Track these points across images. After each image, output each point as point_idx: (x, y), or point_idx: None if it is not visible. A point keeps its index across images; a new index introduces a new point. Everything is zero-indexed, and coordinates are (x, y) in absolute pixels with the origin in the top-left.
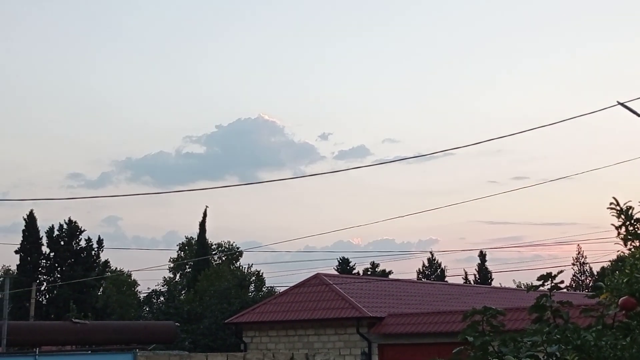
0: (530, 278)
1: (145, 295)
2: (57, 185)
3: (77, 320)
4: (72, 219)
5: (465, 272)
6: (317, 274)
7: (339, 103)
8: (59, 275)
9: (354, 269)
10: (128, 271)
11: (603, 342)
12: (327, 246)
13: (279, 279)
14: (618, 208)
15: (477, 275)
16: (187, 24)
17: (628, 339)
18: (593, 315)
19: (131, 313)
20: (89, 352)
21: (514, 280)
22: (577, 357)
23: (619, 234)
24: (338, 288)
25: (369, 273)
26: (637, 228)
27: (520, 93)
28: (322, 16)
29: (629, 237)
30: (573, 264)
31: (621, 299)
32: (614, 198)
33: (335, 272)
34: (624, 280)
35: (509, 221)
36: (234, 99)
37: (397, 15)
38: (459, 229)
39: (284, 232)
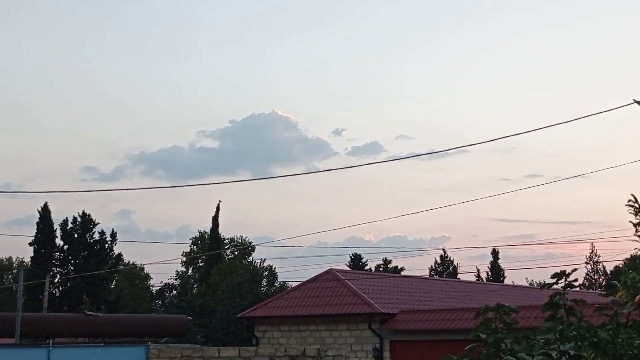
0: (543, 276)
1: (158, 288)
2: (71, 178)
3: (90, 313)
4: (86, 212)
5: (478, 270)
6: (330, 269)
7: (353, 99)
8: (72, 268)
9: (366, 265)
10: (141, 264)
11: (619, 340)
12: (340, 242)
13: (291, 274)
14: (636, 205)
15: (489, 273)
16: (201, 18)
17: None
18: (607, 314)
19: (144, 306)
20: (102, 344)
21: (526, 278)
22: (593, 354)
23: (637, 231)
24: (350, 284)
25: (381, 269)
26: None
27: (536, 91)
28: (337, 12)
29: None
30: (586, 263)
31: (638, 296)
32: (633, 195)
33: (348, 268)
34: None
35: (522, 219)
36: (248, 94)
37: (411, 12)
38: (472, 226)
39: (296, 228)
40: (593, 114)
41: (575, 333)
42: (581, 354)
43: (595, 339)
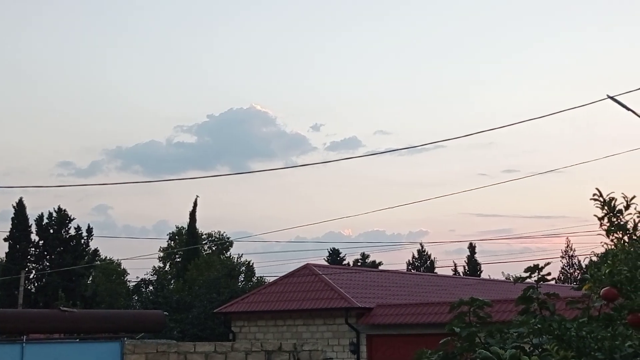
0: (519, 270)
1: (134, 284)
2: (47, 173)
3: (65, 309)
4: (61, 207)
5: (455, 264)
6: (307, 264)
7: (332, 94)
8: (47, 264)
9: (345, 259)
10: (117, 260)
11: (584, 333)
12: (318, 237)
13: (269, 269)
14: (601, 199)
15: (466, 267)
16: (180, 14)
17: (609, 329)
18: (579, 307)
19: (120, 302)
20: (77, 340)
21: (502, 272)
22: (557, 347)
23: (601, 225)
24: (327, 278)
25: (359, 264)
26: (620, 219)
27: (512, 86)
28: (316, 8)
29: (612, 228)
30: (562, 257)
31: (603, 289)
32: (597, 189)
33: (326, 263)
34: (606, 272)
35: (498, 214)
36: (226, 89)
37: (391, 8)
38: (449, 220)
39: (274, 223)
40: (568, 109)
41: (540, 327)
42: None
43: (560, 332)
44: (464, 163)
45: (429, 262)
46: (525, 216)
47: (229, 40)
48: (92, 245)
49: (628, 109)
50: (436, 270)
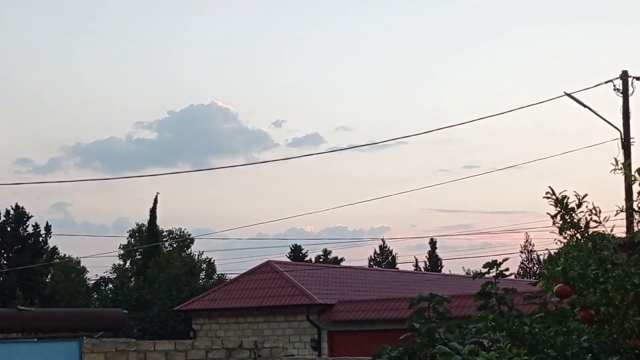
0: (479, 265)
1: (93, 282)
2: (4, 170)
3: (22, 308)
4: (19, 204)
5: (416, 259)
6: (268, 261)
7: (294, 91)
8: (5, 262)
9: (307, 256)
10: (77, 258)
11: (537, 329)
12: (280, 233)
13: (230, 266)
14: (554, 197)
15: (427, 263)
16: (140, 8)
17: (562, 325)
18: (536, 303)
19: (79, 300)
20: (35, 339)
21: (463, 267)
22: (510, 344)
23: (554, 222)
24: (289, 275)
25: (321, 260)
26: (572, 217)
27: (472, 83)
28: (279, 4)
29: (565, 226)
30: (521, 252)
31: (556, 286)
32: (550, 187)
33: (287, 260)
34: (560, 269)
35: (459, 209)
36: (187, 85)
37: (352, 5)
38: (410, 216)
39: (236, 219)
40: (526, 105)
41: (493, 324)
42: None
43: (513, 329)
44: (424, 159)
45: (390, 257)
46: (485, 212)
47: (190, 36)
48: (51, 243)
49: (585, 106)
50: (398, 265)
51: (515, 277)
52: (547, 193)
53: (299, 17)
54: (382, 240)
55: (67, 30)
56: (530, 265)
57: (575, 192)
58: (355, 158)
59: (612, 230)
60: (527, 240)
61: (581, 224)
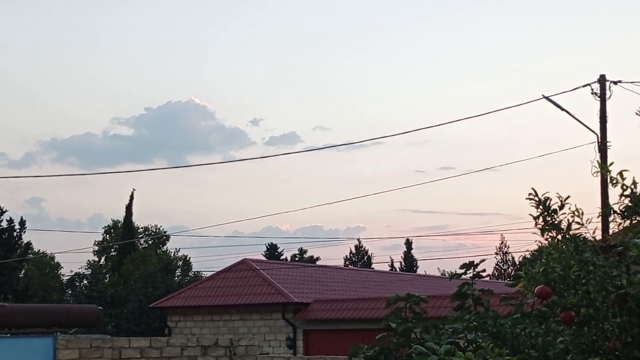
0: (454, 266)
1: (68, 278)
2: None
3: None
4: None
5: (392, 260)
6: (244, 259)
7: (271, 89)
8: None
9: (282, 255)
10: (51, 253)
11: (518, 330)
12: (256, 232)
13: (206, 263)
14: (536, 199)
15: (403, 263)
16: (119, 5)
17: (543, 326)
18: (513, 304)
19: (54, 296)
20: (8, 335)
21: (438, 268)
22: (492, 344)
23: (536, 224)
24: (265, 273)
25: (297, 259)
26: (554, 219)
27: (448, 85)
28: (257, 3)
29: (547, 227)
30: (496, 253)
31: (537, 287)
32: (533, 189)
33: (263, 258)
34: (540, 270)
35: (434, 210)
36: (164, 82)
37: (332, 5)
38: (386, 217)
39: (212, 217)
40: (503, 108)
41: (476, 324)
42: (482, 345)
43: (495, 329)
44: (401, 160)
45: (366, 257)
46: (460, 213)
47: (168, 33)
48: (25, 238)
49: (562, 109)
50: (373, 265)
51: (490, 278)
52: (529, 194)
53: (278, 16)
54: (358, 240)
55: (46, 24)
56: (505, 267)
57: (557, 194)
58: (332, 158)
59: (594, 232)
60: (502, 242)
61: (563, 226)
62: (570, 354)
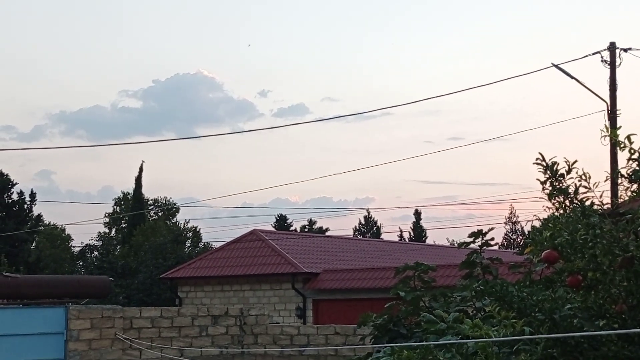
0: (463, 236)
1: (79, 249)
2: None
3: (8, 274)
4: (3, 171)
5: (401, 230)
6: (254, 229)
7: (279, 61)
8: None
9: (292, 225)
10: (62, 225)
11: (525, 294)
12: (265, 203)
13: (215, 234)
14: (544, 164)
15: (412, 233)
16: None
17: (550, 291)
18: (521, 272)
19: (65, 267)
20: (20, 305)
21: (447, 238)
22: (499, 308)
23: (544, 189)
24: (274, 244)
25: (306, 230)
26: (562, 183)
27: (458, 54)
28: None
29: (554, 192)
30: (505, 223)
31: (544, 252)
32: (540, 154)
33: (273, 229)
34: (548, 234)
35: (444, 181)
36: (172, 54)
37: None
38: (395, 187)
39: (221, 189)
40: (514, 77)
41: (482, 288)
42: (490, 311)
43: (502, 293)
44: (410, 130)
45: (375, 228)
46: (469, 183)
47: (176, 4)
48: (36, 210)
49: (572, 77)
50: (382, 236)
51: (499, 248)
52: (536, 159)
53: None
54: (367, 210)
55: None
56: (514, 237)
57: (565, 158)
58: (341, 129)
59: (601, 196)
60: (511, 212)
61: (570, 191)
62: (577, 317)
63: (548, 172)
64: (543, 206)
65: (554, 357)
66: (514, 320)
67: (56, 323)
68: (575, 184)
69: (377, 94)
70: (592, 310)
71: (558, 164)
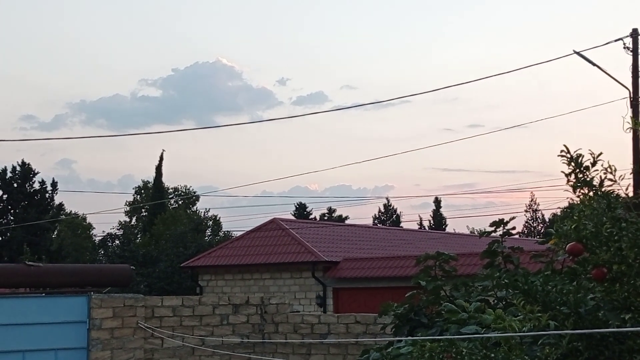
0: (483, 224)
1: (100, 238)
2: (9, 127)
3: (30, 263)
4: (25, 161)
5: (420, 218)
6: (274, 218)
7: (298, 49)
8: (12, 218)
9: (311, 214)
10: (83, 214)
11: (550, 287)
12: (284, 191)
13: (235, 223)
14: (568, 156)
15: (431, 221)
16: None
17: (574, 283)
18: (543, 261)
19: (86, 256)
20: (43, 294)
21: (467, 226)
22: (523, 301)
23: (568, 181)
24: (294, 233)
25: (325, 218)
26: (587, 175)
27: (478, 41)
28: None
29: (578, 184)
30: (526, 211)
31: (569, 244)
32: (565, 146)
33: (292, 217)
34: (572, 227)
35: (463, 168)
36: (191, 43)
37: None
38: (415, 175)
39: (241, 177)
40: (534, 64)
41: (507, 281)
42: (513, 302)
43: (526, 287)
44: (429, 118)
45: (394, 216)
46: (489, 171)
47: None
48: (57, 199)
49: (594, 65)
50: (402, 224)
51: (520, 236)
52: (561, 151)
53: None
54: (387, 199)
55: None
56: (534, 225)
57: (590, 150)
58: (360, 117)
59: (626, 189)
60: (531, 200)
61: (595, 183)
62: (602, 310)
63: (572, 164)
64: (567, 198)
65: (579, 350)
66: (539, 315)
67: (78, 312)
68: (601, 177)
69: (396, 82)
70: (616, 303)
71: (583, 156)
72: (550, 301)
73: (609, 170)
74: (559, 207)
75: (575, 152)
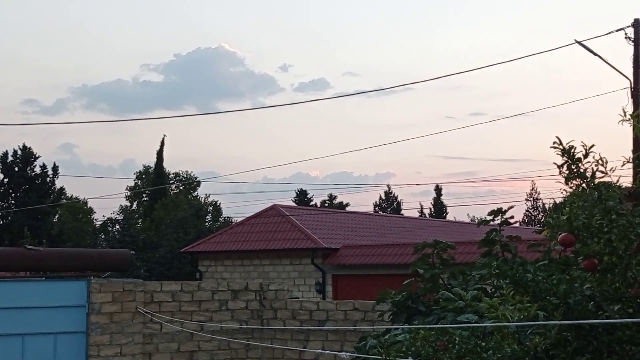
0: (484, 213)
1: (101, 223)
2: (11, 110)
3: (31, 247)
4: (26, 145)
5: (421, 206)
6: (274, 205)
7: (301, 35)
8: (13, 202)
9: (312, 200)
10: (84, 198)
11: (540, 277)
12: (285, 178)
13: (236, 209)
14: (561, 147)
15: (432, 209)
16: None
17: (565, 274)
18: (540, 250)
19: (87, 241)
20: (43, 278)
21: (468, 214)
22: (512, 291)
23: (561, 172)
24: (294, 219)
25: (326, 205)
26: (579, 167)
27: (481, 30)
28: None
29: (571, 176)
30: (527, 200)
31: (560, 235)
32: (557, 137)
33: (293, 204)
34: (564, 218)
35: (465, 156)
36: (194, 28)
37: None
38: (416, 162)
39: (242, 163)
40: (536, 53)
41: (497, 271)
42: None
43: (517, 277)
44: (431, 105)
45: (395, 203)
46: (491, 159)
47: None
48: (58, 183)
49: (595, 54)
50: (402, 211)
51: (521, 225)
52: (554, 143)
53: None
54: (388, 186)
55: None
56: (535, 214)
57: (582, 142)
58: (362, 104)
59: (618, 181)
60: (533, 188)
61: (587, 174)
62: (593, 301)
63: (565, 155)
64: (560, 189)
65: (568, 340)
66: (529, 305)
67: (78, 296)
68: (592, 168)
69: (399, 70)
70: (607, 294)
71: (575, 147)
72: (540, 291)
73: (600, 162)
74: (552, 198)
75: (567, 143)
